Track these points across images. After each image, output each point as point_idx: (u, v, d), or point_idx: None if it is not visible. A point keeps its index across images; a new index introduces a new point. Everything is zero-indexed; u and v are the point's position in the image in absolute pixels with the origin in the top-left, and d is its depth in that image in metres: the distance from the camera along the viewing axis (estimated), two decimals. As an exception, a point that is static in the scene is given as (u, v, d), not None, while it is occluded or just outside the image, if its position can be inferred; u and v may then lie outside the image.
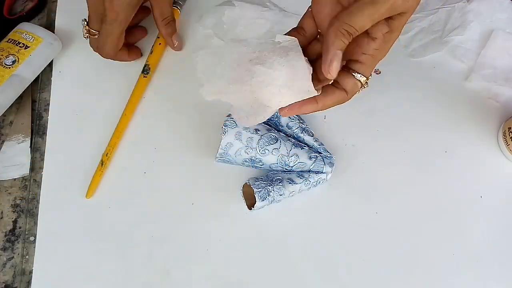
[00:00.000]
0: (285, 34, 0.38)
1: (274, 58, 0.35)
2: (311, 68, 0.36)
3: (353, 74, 0.36)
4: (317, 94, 0.35)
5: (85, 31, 0.50)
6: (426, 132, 0.53)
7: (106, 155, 0.50)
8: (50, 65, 0.56)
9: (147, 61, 0.55)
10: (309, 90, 0.35)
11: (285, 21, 0.57)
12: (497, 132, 0.53)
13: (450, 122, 0.54)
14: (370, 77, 0.37)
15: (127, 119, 0.53)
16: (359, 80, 0.36)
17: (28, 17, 0.60)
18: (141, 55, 0.56)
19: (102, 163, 0.50)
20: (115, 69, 0.55)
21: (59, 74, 0.56)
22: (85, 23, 0.50)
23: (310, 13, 0.39)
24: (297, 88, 0.35)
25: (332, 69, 0.33)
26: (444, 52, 0.57)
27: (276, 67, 0.35)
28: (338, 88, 0.37)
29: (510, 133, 0.50)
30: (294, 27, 0.40)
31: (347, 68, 0.37)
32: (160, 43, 0.56)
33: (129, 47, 0.54)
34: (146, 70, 0.55)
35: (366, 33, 0.35)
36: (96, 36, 0.50)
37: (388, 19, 0.35)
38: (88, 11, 0.48)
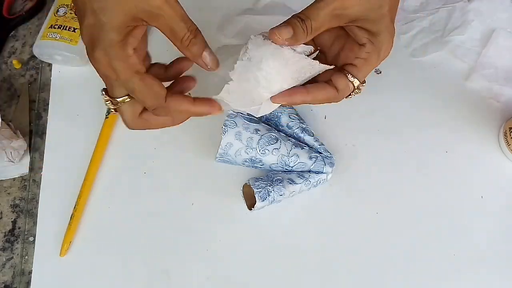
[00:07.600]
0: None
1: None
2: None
3: (347, 75, 0.37)
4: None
5: (110, 105, 0.37)
6: (427, 132, 0.53)
7: (75, 208, 0.48)
8: (49, 65, 0.56)
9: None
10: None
11: None
12: (497, 132, 0.53)
13: (451, 122, 0.53)
14: (364, 84, 0.39)
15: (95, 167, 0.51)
16: (352, 82, 0.37)
17: (28, 16, 0.60)
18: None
19: (72, 216, 0.48)
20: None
21: (58, 74, 0.56)
22: (105, 95, 0.37)
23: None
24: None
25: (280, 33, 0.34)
26: (444, 52, 0.56)
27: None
28: (329, 85, 0.38)
29: (511, 133, 0.50)
30: None
31: (342, 69, 0.38)
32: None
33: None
34: (108, 112, 0.52)
35: (355, 40, 0.37)
36: (127, 102, 0.37)
37: (359, 26, 0.36)
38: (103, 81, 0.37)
